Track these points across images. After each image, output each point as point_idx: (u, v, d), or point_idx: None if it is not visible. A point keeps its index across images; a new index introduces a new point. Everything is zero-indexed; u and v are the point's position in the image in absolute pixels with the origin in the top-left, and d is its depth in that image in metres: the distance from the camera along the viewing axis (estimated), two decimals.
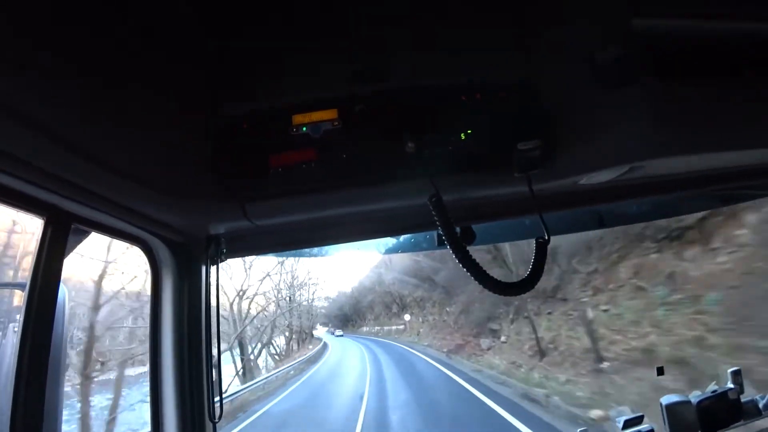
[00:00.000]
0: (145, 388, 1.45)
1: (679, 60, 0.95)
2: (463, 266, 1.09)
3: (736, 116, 1.01)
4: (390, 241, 2.10)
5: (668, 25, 0.94)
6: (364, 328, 52.32)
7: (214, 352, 1.54)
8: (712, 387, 2.02)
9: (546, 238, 1.17)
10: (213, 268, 1.52)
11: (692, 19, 0.94)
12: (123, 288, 10.46)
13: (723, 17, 0.96)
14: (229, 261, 1.55)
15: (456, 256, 1.09)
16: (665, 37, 0.95)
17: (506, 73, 1.17)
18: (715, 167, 1.41)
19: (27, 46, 0.69)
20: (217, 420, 1.45)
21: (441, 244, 1.86)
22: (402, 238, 1.95)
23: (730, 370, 2.07)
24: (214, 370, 1.48)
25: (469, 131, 1.15)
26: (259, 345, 24.20)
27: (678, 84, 0.96)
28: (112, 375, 10.26)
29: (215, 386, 1.47)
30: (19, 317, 1.00)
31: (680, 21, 0.94)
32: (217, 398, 1.46)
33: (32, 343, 0.95)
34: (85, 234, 1.20)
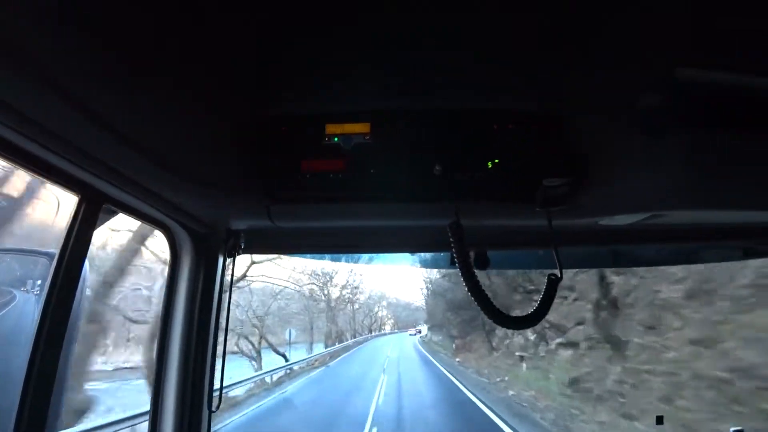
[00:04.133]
0: None
1: (715, 112, 0.93)
2: (471, 294, 1.10)
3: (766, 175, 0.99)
4: (408, 256, 2.12)
5: (710, 77, 0.93)
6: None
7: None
8: None
9: (559, 275, 1.17)
10: (229, 261, 1.56)
11: (735, 72, 0.93)
12: None
13: (765, 73, 0.94)
14: None
15: (466, 284, 1.11)
16: (705, 88, 0.93)
17: (540, 106, 1.17)
18: (737, 222, 1.40)
19: (71, 22, 0.70)
20: (214, 410, 1.47)
21: (453, 263, 1.88)
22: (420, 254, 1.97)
23: (732, 429, 2.03)
24: (217, 361, 1.51)
25: (496, 161, 1.16)
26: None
27: (711, 137, 0.95)
28: None
29: (216, 377, 1.49)
30: (40, 283, 1.05)
31: (723, 73, 0.93)
32: (216, 388, 1.49)
33: (54, 310, 1.00)
34: (113, 214, 1.25)
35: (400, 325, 59.97)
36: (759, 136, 0.96)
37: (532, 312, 1.13)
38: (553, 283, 1.17)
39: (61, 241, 1.07)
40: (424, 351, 31.67)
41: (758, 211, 1.15)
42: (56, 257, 1.04)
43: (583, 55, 1.05)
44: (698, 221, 1.36)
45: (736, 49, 0.90)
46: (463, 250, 1.12)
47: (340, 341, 32.86)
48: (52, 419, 1.01)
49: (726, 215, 1.24)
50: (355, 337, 38.61)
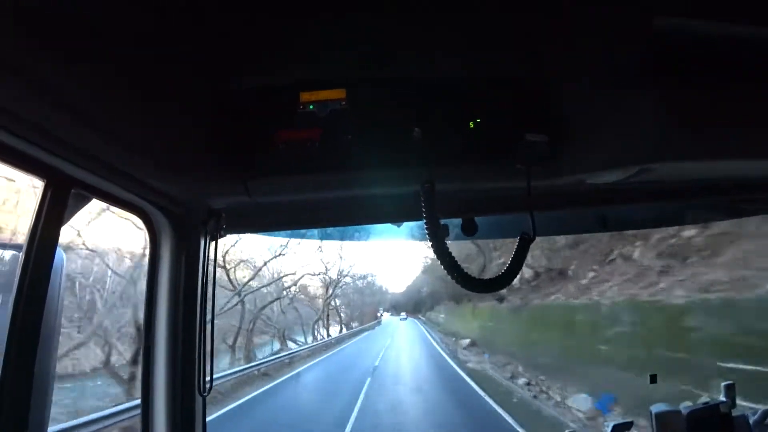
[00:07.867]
0: None
1: (699, 63, 0.92)
2: (439, 259, 1.06)
3: (754, 124, 0.98)
4: (395, 228, 2.09)
5: (691, 26, 0.91)
6: None
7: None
8: (704, 399, 2.01)
9: (532, 235, 1.14)
10: (212, 243, 1.51)
11: (716, 21, 0.91)
12: None
13: (748, 22, 0.92)
14: None
15: (433, 248, 1.07)
16: (686, 38, 0.92)
17: (520, 65, 1.15)
18: (727, 176, 1.39)
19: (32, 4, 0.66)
20: (206, 393, 1.45)
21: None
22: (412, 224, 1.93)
23: (723, 384, 2.06)
24: (206, 344, 1.48)
25: (478, 120, 1.14)
26: None
27: (695, 87, 0.94)
28: None
29: (207, 360, 1.47)
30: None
31: (704, 23, 0.91)
32: (207, 372, 1.46)
33: (25, 306, 0.94)
34: (86, 200, 1.19)
35: (357, 317, 38.44)
36: (740, 84, 0.95)
37: (502, 273, 1.11)
38: (525, 243, 1.14)
39: (29, 231, 1.02)
40: None
41: (746, 161, 1.13)
42: (23, 249, 0.99)
43: (555, 9, 1.02)
44: (686, 177, 1.34)
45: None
46: (433, 212, 1.08)
47: None
48: (33, 427, 0.96)
49: (714, 169, 1.22)
50: None
